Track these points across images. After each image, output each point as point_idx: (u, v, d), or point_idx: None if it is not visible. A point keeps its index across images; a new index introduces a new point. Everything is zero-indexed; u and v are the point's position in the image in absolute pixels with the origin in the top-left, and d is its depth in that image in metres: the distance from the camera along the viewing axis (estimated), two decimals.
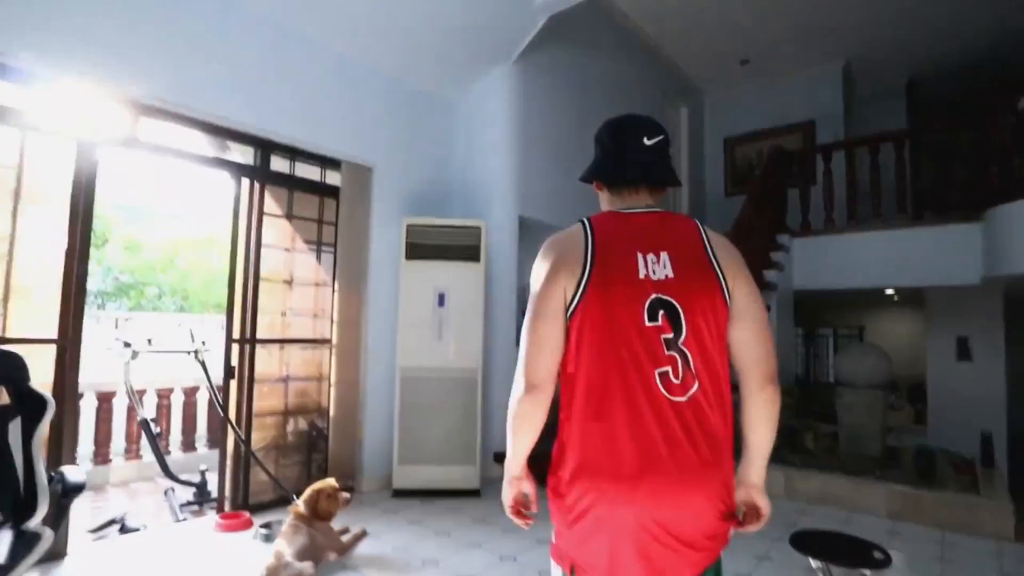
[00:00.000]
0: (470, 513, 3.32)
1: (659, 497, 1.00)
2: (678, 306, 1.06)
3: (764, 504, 1.14)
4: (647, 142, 1.19)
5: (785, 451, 4.47)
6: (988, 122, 4.20)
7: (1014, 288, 4.98)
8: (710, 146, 7.47)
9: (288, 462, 3.54)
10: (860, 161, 5.20)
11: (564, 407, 1.11)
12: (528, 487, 1.22)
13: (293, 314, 3.61)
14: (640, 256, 1.10)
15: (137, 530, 3.17)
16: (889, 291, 6.44)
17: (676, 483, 1.01)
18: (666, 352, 1.05)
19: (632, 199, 1.20)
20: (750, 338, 1.11)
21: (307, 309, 3.70)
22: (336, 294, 3.68)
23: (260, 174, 3.45)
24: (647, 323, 1.05)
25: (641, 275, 1.08)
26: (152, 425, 3.73)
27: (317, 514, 2.70)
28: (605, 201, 1.27)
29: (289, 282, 3.59)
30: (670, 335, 1.05)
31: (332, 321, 3.71)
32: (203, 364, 3.40)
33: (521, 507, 1.25)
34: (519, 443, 1.16)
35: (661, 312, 1.06)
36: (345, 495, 2.84)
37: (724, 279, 1.10)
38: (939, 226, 4.63)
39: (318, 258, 3.81)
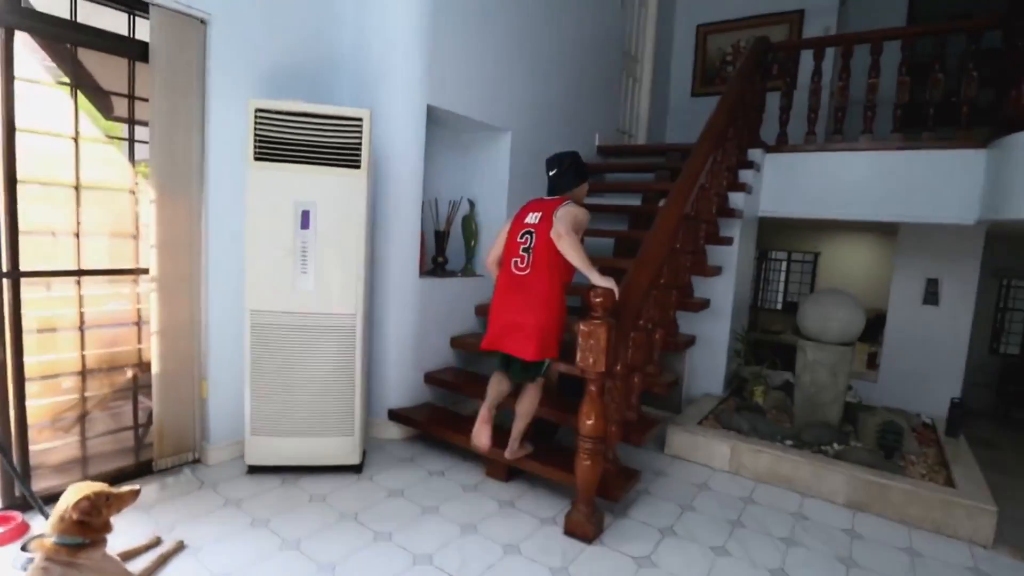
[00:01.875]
0: (340, 504, 2.56)
1: (505, 306, 2.53)
2: (534, 233, 2.48)
3: (600, 283, 2.32)
4: (550, 174, 2.63)
5: (734, 403, 3.94)
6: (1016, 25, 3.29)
7: (998, 228, 4.40)
8: (679, 35, 6.29)
9: (100, 436, 2.63)
10: (858, 63, 4.26)
11: None
12: None
13: (89, 234, 2.52)
14: (531, 214, 2.55)
15: None
16: None
17: (512, 305, 2.50)
18: (521, 252, 2.51)
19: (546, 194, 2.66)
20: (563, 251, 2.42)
21: (116, 228, 2.62)
22: (155, 205, 2.58)
23: (8, 13, 2.18)
24: (518, 240, 2.53)
25: (526, 221, 2.54)
26: None
27: (94, 533, 1.85)
28: None
29: (78, 187, 2.46)
30: (527, 245, 2.49)
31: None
32: None
33: None
34: None
35: (527, 236, 2.50)
36: (130, 488, 1.96)
37: (557, 219, 2.41)
38: (937, 150, 3.87)
39: (130, 153, 2.66)
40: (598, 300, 2.24)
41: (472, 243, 3.86)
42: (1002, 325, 7.38)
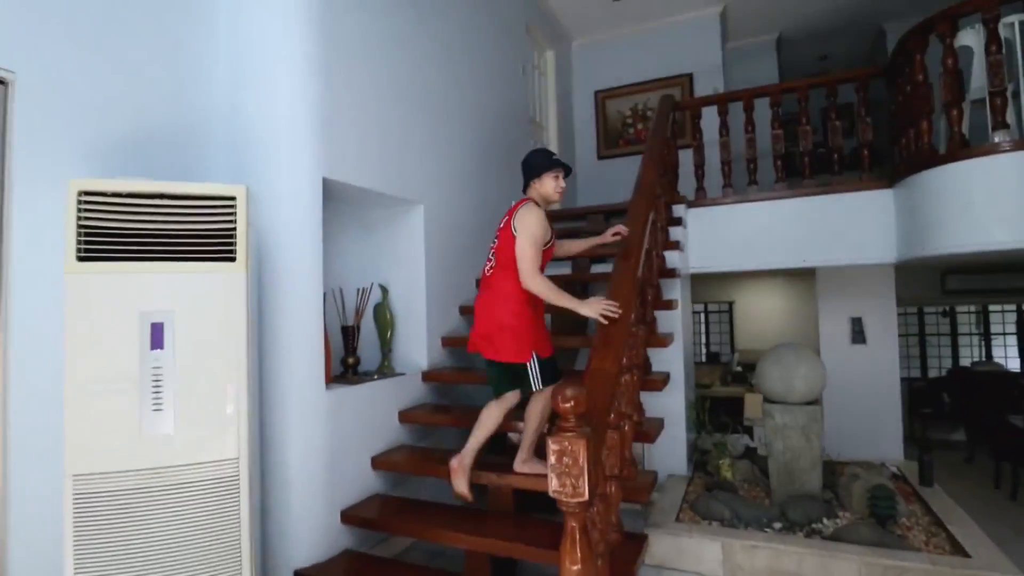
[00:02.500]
0: None
1: (477, 308, 2.50)
2: (498, 238, 2.47)
3: (588, 312, 2.28)
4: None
5: (702, 482, 3.52)
6: (911, 70, 3.43)
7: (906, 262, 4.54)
8: (579, 101, 6.32)
9: None
10: (760, 116, 4.33)
11: None
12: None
13: None
14: (504, 219, 2.49)
15: None
16: None
17: (480, 305, 2.48)
18: (490, 256, 2.50)
19: None
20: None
21: None
22: None
23: None
24: (491, 245, 2.52)
25: (500, 225, 2.49)
26: None
27: None
28: None
29: None
30: (493, 248, 2.48)
31: None
32: None
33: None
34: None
35: (496, 239, 2.48)
36: None
37: (515, 228, 2.36)
38: (848, 193, 3.91)
39: None
40: (568, 405, 1.73)
41: (388, 335, 3.25)
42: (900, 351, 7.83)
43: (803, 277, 6.58)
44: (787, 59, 6.82)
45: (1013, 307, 7.86)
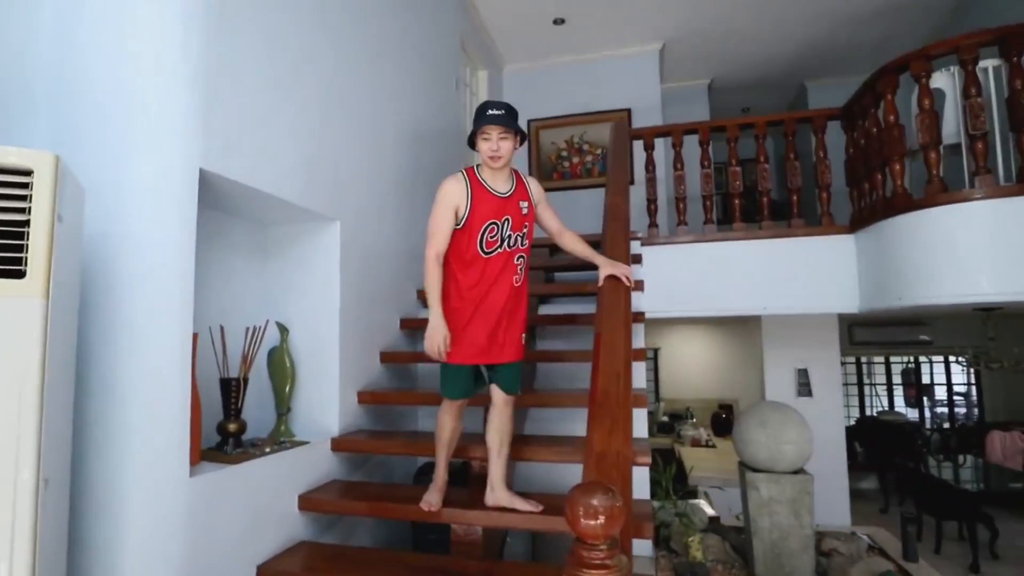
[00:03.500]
0: None
1: None
2: None
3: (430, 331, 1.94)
4: None
5: (670, 563, 2.95)
6: (882, 111, 3.28)
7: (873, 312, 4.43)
8: None
9: None
10: (716, 152, 4.09)
11: None
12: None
13: None
14: None
15: None
16: None
17: None
18: None
19: None
20: None
21: None
22: None
23: None
24: None
25: None
26: None
27: None
28: None
29: None
30: None
31: None
32: None
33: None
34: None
35: None
36: None
37: None
38: (809, 237, 3.69)
39: None
40: (596, 523, 1.07)
41: (287, 389, 2.42)
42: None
43: (738, 324, 6.47)
44: (715, 106, 6.91)
45: (910, 358, 8.31)
